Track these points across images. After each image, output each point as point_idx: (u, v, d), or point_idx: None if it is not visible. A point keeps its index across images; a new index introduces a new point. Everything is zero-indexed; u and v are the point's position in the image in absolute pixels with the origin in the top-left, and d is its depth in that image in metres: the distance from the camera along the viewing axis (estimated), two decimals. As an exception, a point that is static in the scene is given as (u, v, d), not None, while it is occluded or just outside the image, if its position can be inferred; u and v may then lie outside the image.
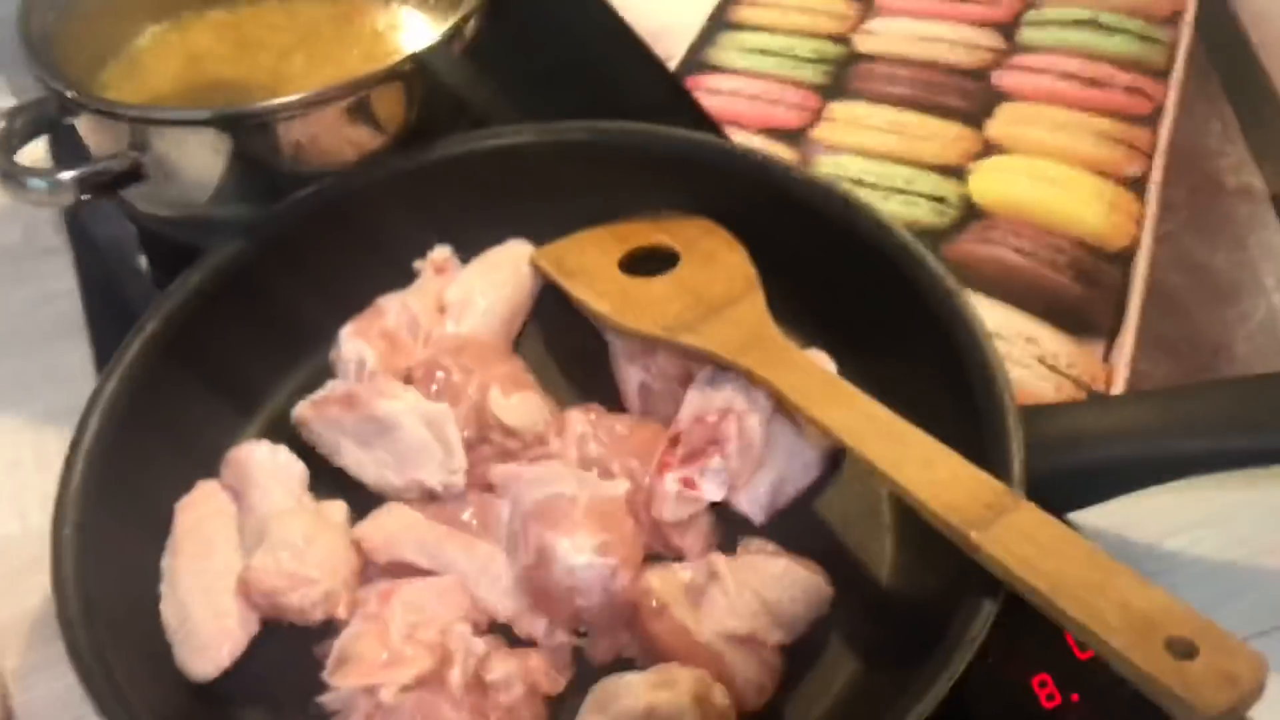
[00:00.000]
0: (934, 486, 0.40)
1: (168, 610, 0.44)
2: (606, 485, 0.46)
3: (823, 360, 0.49)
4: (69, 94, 0.52)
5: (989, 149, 0.63)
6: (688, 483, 0.46)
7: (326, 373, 0.52)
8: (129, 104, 0.55)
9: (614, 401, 0.51)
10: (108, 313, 0.59)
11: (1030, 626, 0.44)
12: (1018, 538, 0.38)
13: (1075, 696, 0.43)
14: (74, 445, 0.45)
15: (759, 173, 0.54)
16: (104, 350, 0.57)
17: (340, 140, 0.54)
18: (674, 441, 0.47)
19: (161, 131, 0.52)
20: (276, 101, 0.52)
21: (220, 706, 0.43)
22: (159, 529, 0.47)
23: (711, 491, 0.46)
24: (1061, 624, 0.36)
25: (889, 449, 0.42)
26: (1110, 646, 0.34)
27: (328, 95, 0.52)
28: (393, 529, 0.46)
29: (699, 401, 0.48)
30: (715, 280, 0.52)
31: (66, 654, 0.40)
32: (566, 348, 0.55)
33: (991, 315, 0.55)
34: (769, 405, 0.47)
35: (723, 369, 0.48)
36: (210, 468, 0.49)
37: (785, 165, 0.54)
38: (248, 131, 0.52)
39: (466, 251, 0.56)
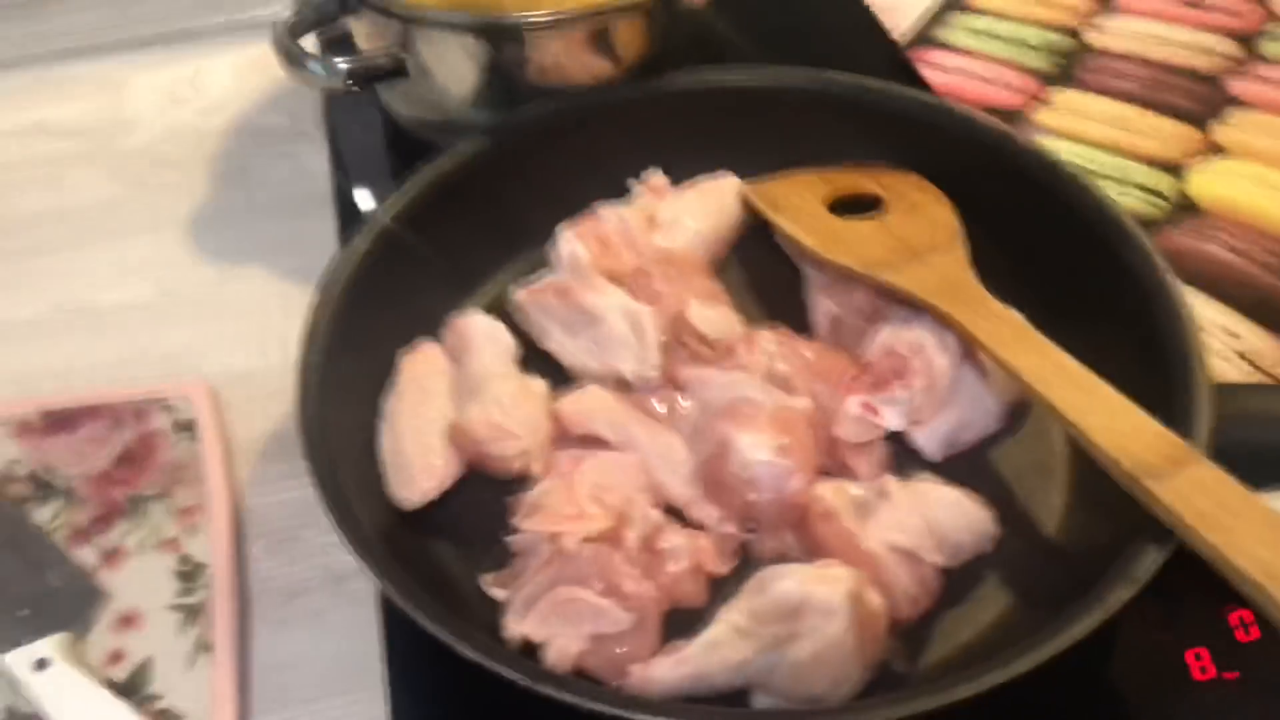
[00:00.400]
0: (1117, 435, 0.41)
1: (386, 444, 0.49)
2: (791, 399, 0.49)
3: (1020, 320, 0.50)
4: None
5: (1212, 151, 0.63)
6: (870, 408, 0.48)
7: (541, 266, 0.56)
8: (402, 4, 0.60)
9: (804, 330, 0.54)
10: (352, 192, 0.66)
11: (1194, 601, 0.45)
12: (1196, 491, 0.39)
13: (1230, 675, 0.43)
14: (325, 289, 0.50)
15: (976, 134, 0.56)
16: (346, 224, 0.63)
17: (581, 61, 0.58)
18: (862, 368, 0.49)
19: (427, 33, 0.58)
20: (530, 16, 0.56)
21: (417, 534, 0.48)
22: (385, 375, 0.52)
23: (892, 419, 0.48)
24: (1233, 581, 0.37)
25: (1076, 396, 0.43)
26: None
27: (577, 15, 0.56)
28: (589, 406, 0.49)
29: (891, 336, 0.50)
30: (920, 229, 0.54)
31: (303, 458, 0.45)
32: (763, 278, 0.58)
33: (1195, 305, 0.54)
34: (959, 349, 0.49)
35: (917, 310, 0.50)
36: (433, 331, 0.54)
37: (1004, 129, 0.55)
38: (501, 40, 0.57)
39: (679, 180, 0.60)
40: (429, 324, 0.54)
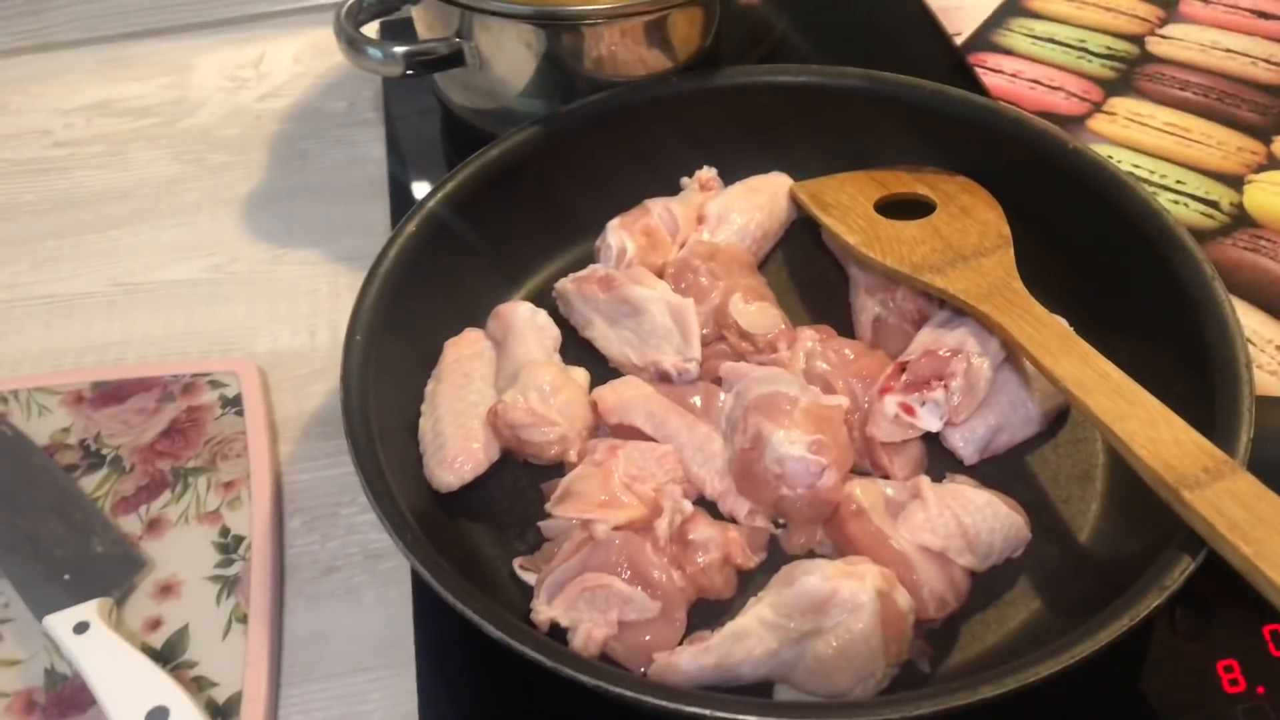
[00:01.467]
0: (1155, 444, 0.40)
1: (425, 426, 0.50)
2: (827, 396, 0.48)
3: (1065, 326, 0.50)
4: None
5: (1274, 164, 0.61)
6: (907, 408, 0.48)
7: (588, 259, 0.57)
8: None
9: (846, 330, 0.54)
10: (407, 179, 0.67)
11: (1227, 615, 0.44)
12: (1230, 502, 0.38)
13: (1261, 689, 0.43)
14: (373, 270, 0.51)
15: (1028, 137, 0.55)
16: (400, 209, 0.64)
17: (637, 54, 0.59)
18: (900, 368, 0.49)
19: (486, 22, 0.58)
20: (588, 7, 0.57)
21: (454, 516, 0.48)
22: (428, 359, 0.53)
23: (929, 421, 0.48)
24: (1264, 593, 0.36)
25: (1116, 404, 0.43)
26: (1314, 617, 0.34)
27: (634, 8, 0.57)
28: (627, 396, 0.50)
29: (932, 337, 0.50)
30: (968, 232, 0.53)
31: (345, 435, 0.46)
32: (808, 277, 0.58)
33: (1245, 319, 0.53)
34: (1000, 353, 0.49)
35: (960, 313, 0.50)
36: (477, 319, 0.55)
37: (1056, 133, 0.55)
38: (558, 31, 0.58)
39: (731, 176, 0.60)
40: (474, 311, 0.55)
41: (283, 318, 0.60)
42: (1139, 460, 0.41)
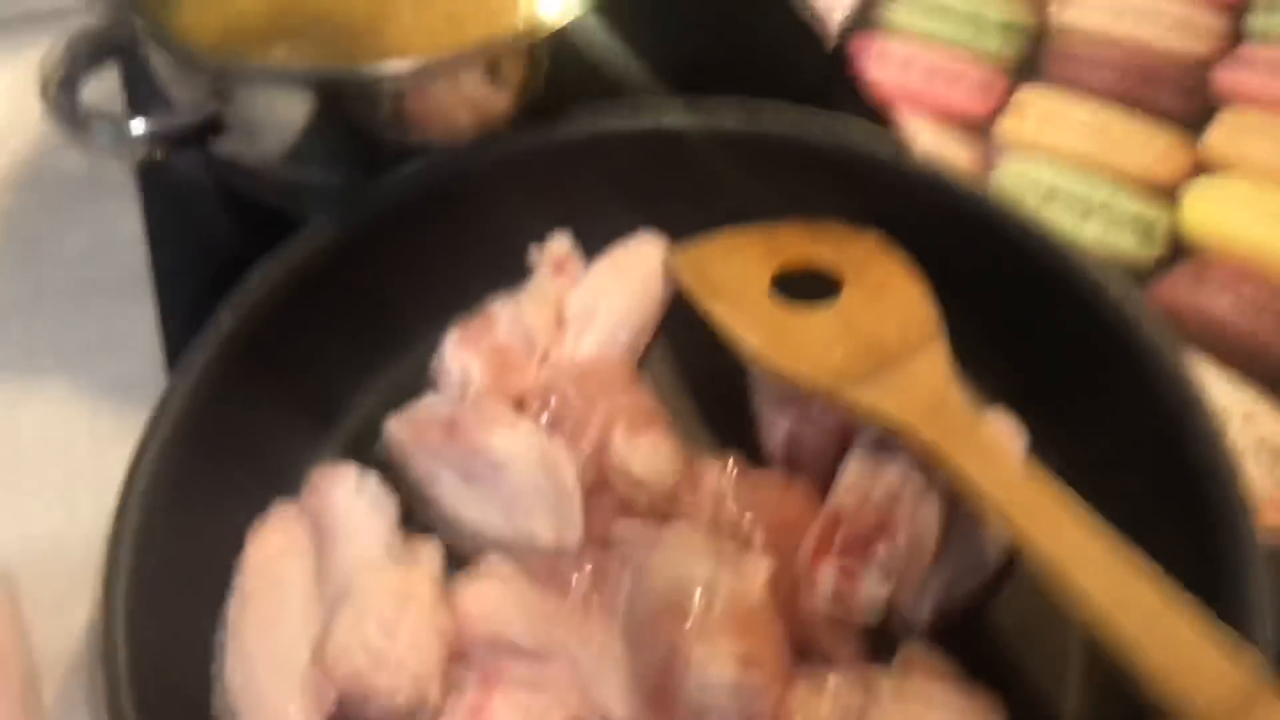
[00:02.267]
0: (1174, 661, 0.32)
1: (234, 678, 0.38)
2: (748, 568, 0.39)
3: (1010, 430, 0.42)
4: (140, 24, 0.44)
5: (1205, 167, 0.53)
6: (846, 573, 0.39)
7: (419, 378, 0.45)
8: (209, 55, 0.46)
9: (755, 440, 0.44)
10: (175, 268, 0.52)
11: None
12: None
13: None
14: (133, 467, 0.38)
15: (941, 191, 0.46)
16: (172, 314, 0.50)
17: (454, 110, 0.46)
18: (833, 523, 0.39)
19: (248, 85, 0.44)
20: (383, 68, 0.43)
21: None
22: (228, 558, 0.40)
23: (874, 589, 0.39)
24: None
25: (1110, 587, 0.34)
26: None
27: (444, 62, 0.43)
28: (494, 600, 0.39)
29: (863, 473, 0.40)
30: (888, 320, 0.44)
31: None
32: (697, 372, 0.47)
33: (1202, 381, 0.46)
34: (945, 487, 0.40)
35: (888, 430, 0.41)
36: (289, 484, 0.42)
37: (975, 188, 0.45)
38: (347, 96, 0.44)
39: (589, 241, 0.48)
40: (281, 473, 0.43)
41: (29, 492, 0.46)
42: (1155, 681, 0.32)
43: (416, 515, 0.42)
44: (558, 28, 0.45)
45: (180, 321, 0.50)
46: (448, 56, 0.43)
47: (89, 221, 0.54)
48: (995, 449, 0.39)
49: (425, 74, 0.43)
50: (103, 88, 0.50)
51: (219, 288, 0.43)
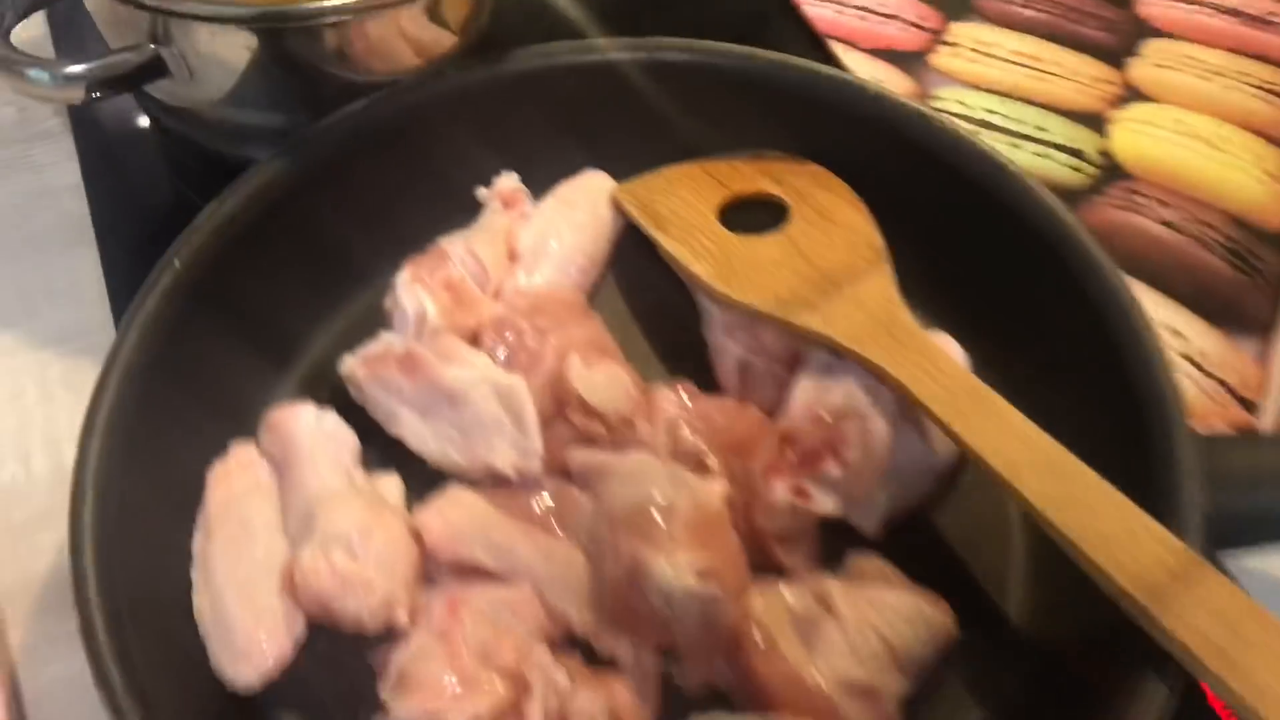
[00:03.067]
0: (1105, 542, 0.34)
1: (203, 605, 0.38)
2: (704, 488, 0.40)
3: (952, 350, 0.43)
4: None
5: (1132, 95, 0.55)
6: (800, 490, 0.40)
7: (372, 315, 0.45)
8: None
9: (705, 369, 0.45)
10: (116, 216, 0.52)
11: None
12: (1209, 619, 0.33)
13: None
14: (91, 409, 0.38)
15: (886, 116, 0.47)
16: (115, 261, 0.50)
17: (398, 47, 0.46)
18: (785, 441, 0.41)
19: (187, 25, 0.44)
20: (326, 5, 0.43)
21: (258, 712, 0.38)
22: (189, 498, 0.41)
23: (826, 503, 0.40)
24: (1237, 711, 0.32)
25: (1049, 486, 0.36)
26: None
27: (386, 1, 0.43)
28: (458, 521, 0.40)
29: (814, 394, 0.42)
30: (834, 245, 0.45)
31: (80, 634, 0.34)
32: (649, 303, 0.48)
33: (1132, 300, 0.48)
34: (892, 404, 0.41)
35: (836, 352, 0.42)
36: (244, 425, 0.43)
37: (924, 114, 0.46)
38: (288, 36, 0.44)
39: (537, 181, 0.49)
40: (239, 414, 0.43)
41: (-20, 444, 0.46)
42: (1091, 564, 0.34)
43: (376, 452, 0.43)
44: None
45: (124, 269, 0.50)
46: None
47: (24, 170, 0.53)
48: (940, 364, 0.40)
49: (367, 10, 0.43)
50: (30, 35, 0.49)
51: (163, 234, 0.42)
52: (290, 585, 0.38)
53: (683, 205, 0.47)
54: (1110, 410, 0.40)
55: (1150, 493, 0.36)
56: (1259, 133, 0.54)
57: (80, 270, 0.50)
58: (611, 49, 0.48)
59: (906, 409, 0.42)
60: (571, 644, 0.39)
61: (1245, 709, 0.31)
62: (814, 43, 0.57)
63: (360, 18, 0.43)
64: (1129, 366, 0.40)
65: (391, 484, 0.42)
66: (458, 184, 0.48)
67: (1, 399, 0.47)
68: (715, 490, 0.40)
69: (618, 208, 0.48)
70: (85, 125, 0.54)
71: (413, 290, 0.44)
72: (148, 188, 0.52)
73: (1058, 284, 0.43)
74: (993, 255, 0.45)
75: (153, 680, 0.35)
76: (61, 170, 0.53)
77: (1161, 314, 0.48)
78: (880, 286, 0.43)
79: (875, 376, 0.41)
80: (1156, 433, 0.38)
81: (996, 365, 0.42)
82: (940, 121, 0.46)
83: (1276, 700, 0.31)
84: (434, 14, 0.45)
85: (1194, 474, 0.36)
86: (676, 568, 0.37)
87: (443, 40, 0.46)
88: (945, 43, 0.57)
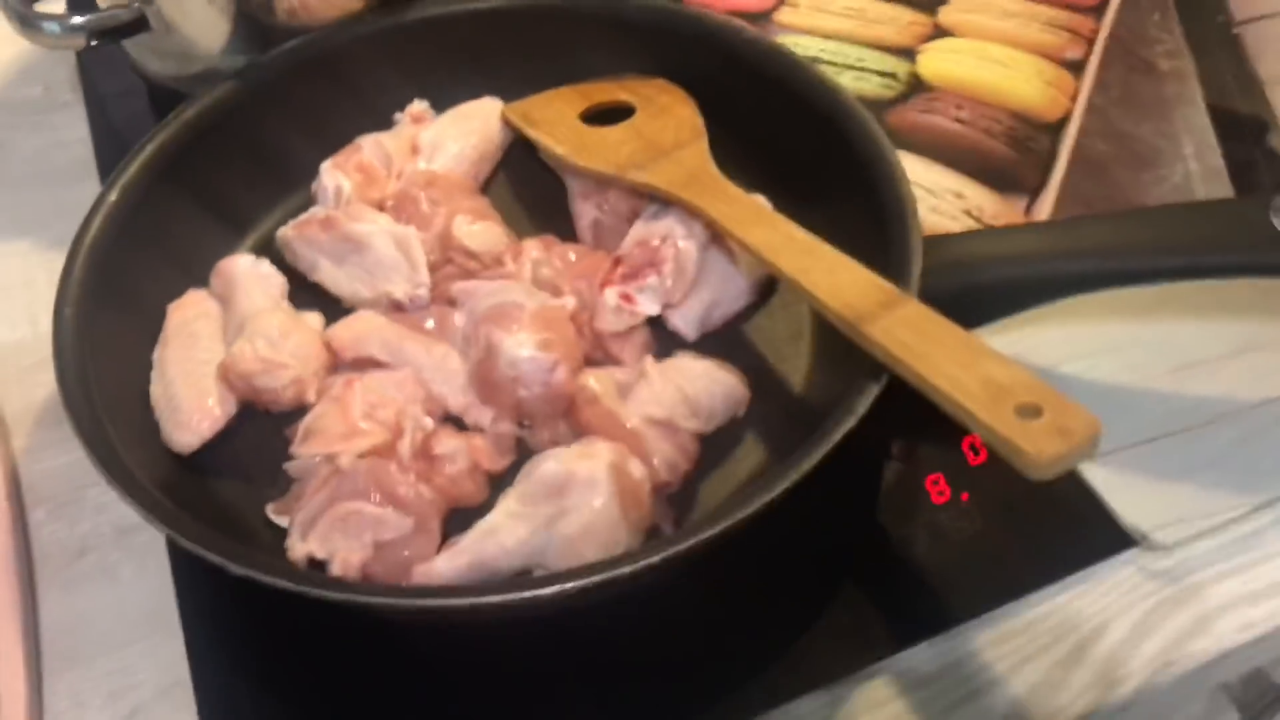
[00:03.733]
0: (835, 289, 0.44)
1: (156, 392, 0.49)
2: (554, 300, 0.51)
3: (761, 202, 0.54)
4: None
5: (940, 33, 0.67)
6: (626, 298, 0.51)
7: (310, 205, 0.57)
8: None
9: (570, 237, 0.56)
10: (115, 157, 0.64)
11: (932, 437, 0.49)
12: (902, 328, 0.42)
13: (964, 496, 0.48)
14: (75, 241, 0.50)
15: (714, 36, 0.58)
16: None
17: (329, -3, 0.59)
18: (616, 262, 0.51)
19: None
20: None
21: (201, 477, 0.48)
22: (151, 327, 0.52)
23: (648, 306, 0.51)
24: (932, 398, 0.40)
25: (800, 260, 0.46)
26: (968, 410, 0.39)
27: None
28: (360, 329, 0.51)
29: (642, 230, 0.52)
30: (666, 129, 0.56)
31: (68, 421, 0.45)
32: (530, 194, 0.60)
33: (926, 174, 0.59)
34: (705, 235, 0.52)
35: (665, 204, 0.53)
36: (201, 280, 0.54)
37: (737, 26, 0.58)
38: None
39: (445, 107, 0.61)
40: (200, 272, 0.54)
41: (2, 315, 0.58)
42: (824, 305, 0.44)
43: (303, 300, 0.54)
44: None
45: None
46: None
47: (44, 130, 0.67)
48: (734, 197, 0.51)
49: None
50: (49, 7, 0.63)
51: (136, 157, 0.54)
52: (223, 370, 0.49)
53: (553, 112, 0.59)
54: (873, 231, 0.50)
55: (889, 269, 0.46)
56: (1042, 54, 0.65)
57: (85, 196, 0.61)
58: (499, -2, 0.61)
59: (718, 239, 0.53)
60: (448, 422, 0.49)
61: (931, 388, 0.41)
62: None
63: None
64: (886, 199, 0.50)
65: (313, 316, 0.53)
66: (378, 108, 0.60)
67: (17, 284, 0.59)
68: (564, 304, 0.51)
69: (506, 122, 0.60)
70: (92, 93, 0.68)
71: (332, 174, 0.56)
72: (139, 135, 0.65)
73: (837, 146, 0.53)
74: (794, 134, 0.56)
75: (124, 449, 0.45)
76: (74, 129, 0.67)
77: (948, 182, 0.59)
78: (696, 152, 0.54)
79: (689, 213, 0.52)
80: (894, 227, 0.48)
81: (797, 214, 0.53)
82: (751, 31, 0.58)
83: (952, 378, 0.40)
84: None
85: (916, 245, 0.46)
86: (520, 342, 0.48)
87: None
88: (788, 4, 0.70)
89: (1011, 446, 0.38)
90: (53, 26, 0.57)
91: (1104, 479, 0.47)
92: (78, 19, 0.57)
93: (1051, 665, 0.44)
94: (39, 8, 0.58)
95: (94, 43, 0.58)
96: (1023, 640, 0.44)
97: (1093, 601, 0.45)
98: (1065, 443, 0.37)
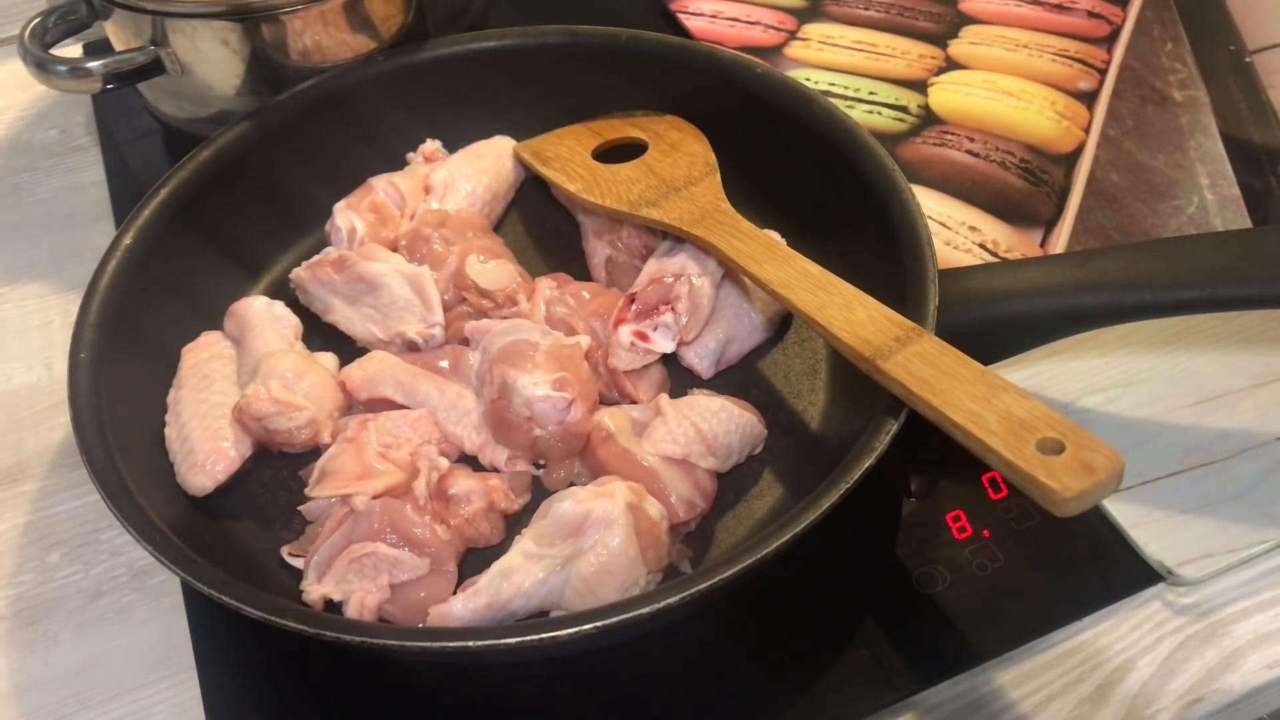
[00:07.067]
0: (850, 325, 0.44)
1: (171, 434, 0.49)
2: (568, 337, 0.51)
3: (775, 237, 0.54)
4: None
5: (951, 66, 0.67)
6: (641, 335, 0.50)
7: (323, 244, 0.57)
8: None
9: (583, 275, 0.56)
10: (131, 197, 0.65)
11: (952, 474, 0.49)
12: (918, 363, 0.42)
13: (986, 532, 0.47)
14: (91, 284, 0.50)
15: (726, 71, 0.59)
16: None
17: (341, 39, 0.59)
18: (630, 299, 0.51)
19: (178, 24, 0.58)
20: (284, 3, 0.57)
21: (215, 519, 0.48)
22: (166, 369, 0.52)
23: (662, 343, 0.50)
24: (951, 434, 0.40)
25: (815, 296, 0.46)
26: (989, 447, 0.38)
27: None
28: (374, 370, 0.51)
29: (656, 267, 0.52)
30: (678, 165, 0.56)
31: (83, 464, 0.45)
32: (543, 232, 0.60)
33: (939, 208, 0.59)
34: (719, 271, 0.52)
35: (679, 241, 0.53)
36: (215, 322, 0.54)
37: (748, 61, 0.58)
38: (255, 26, 0.57)
39: (456, 146, 0.61)
40: (214, 314, 0.54)
41: (15, 356, 0.58)
42: (839, 341, 0.44)
43: (316, 341, 0.54)
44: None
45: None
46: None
47: (60, 173, 0.67)
48: (747, 233, 0.51)
49: (307, 3, 0.56)
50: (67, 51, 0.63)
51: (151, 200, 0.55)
52: (237, 412, 0.49)
53: (565, 150, 0.59)
54: (887, 264, 0.50)
55: (904, 303, 0.46)
56: (1053, 85, 0.65)
57: (100, 237, 0.63)
58: (508, 37, 0.61)
59: (732, 276, 0.52)
60: (463, 461, 0.49)
61: (950, 424, 0.40)
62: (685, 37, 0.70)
63: (310, 8, 0.56)
64: (900, 233, 0.50)
65: (327, 357, 0.53)
66: (391, 147, 0.60)
67: (34, 326, 0.59)
68: (577, 342, 0.51)
69: (518, 159, 0.60)
70: (108, 136, 0.68)
71: (345, 213, 0.56)
72: (154, 177, 0.66)
73: (851, 181, 0.53)
74: (808, 169, 0.56)
75: (133, 488, 0.45)
76: (90, 171, 0.67)
77: (962, 215, 0.59)
78: (708, 187, 0.54)
79: (703, 249, 0.51)
80: (910, 262, 0.48)
81: (812, 249, 0.53)
82: (763, 66, 0.58)
83: (971, 414, 0.40)
84: (368, 11, 0.59)
85: (931, 280, 0.46)
86: (535, 380, 0.48)
87: (375, 33, 0.60)
88: (798, 39, 0.70)
89: (1035, 483, 0.37)
90: (68, 71, 0.57)
91: (1127, 514, 0.47)
92: (93, 63, 0.57)
93: (1078, 703, 0.43)
94: (55, 52, 0.58)
95: (110, 86, 0.58)
96: (1047, 678, 0.44)
97: (1119, 638, 0.45)
98: (1090, 478, 0.37)
